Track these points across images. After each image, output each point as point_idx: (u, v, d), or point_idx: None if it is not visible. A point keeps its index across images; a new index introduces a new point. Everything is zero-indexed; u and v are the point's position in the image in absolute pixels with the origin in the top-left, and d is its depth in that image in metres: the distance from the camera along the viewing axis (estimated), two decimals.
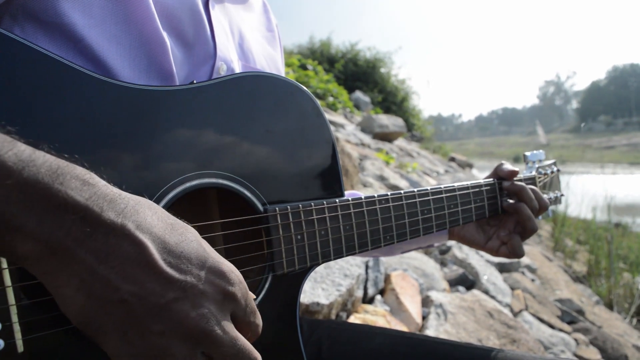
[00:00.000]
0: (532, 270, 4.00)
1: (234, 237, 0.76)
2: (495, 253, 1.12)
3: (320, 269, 1.82)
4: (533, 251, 4.70)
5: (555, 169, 1.32)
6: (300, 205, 0.77)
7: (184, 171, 0.66)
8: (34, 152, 0.46)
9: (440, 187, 0.99)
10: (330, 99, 9.90)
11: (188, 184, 0.66)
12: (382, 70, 18.72)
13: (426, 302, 2.25)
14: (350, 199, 0.83)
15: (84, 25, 0.65)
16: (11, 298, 0.49)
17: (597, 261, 5.35)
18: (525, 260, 4.08)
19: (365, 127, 8.49)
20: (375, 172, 4.49)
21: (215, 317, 0.52)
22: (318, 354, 0.96)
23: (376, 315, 1.87)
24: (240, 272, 0.60)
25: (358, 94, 14.12)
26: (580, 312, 3.35)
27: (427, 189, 0.96)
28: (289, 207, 0.75)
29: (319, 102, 0.83)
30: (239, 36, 0.93)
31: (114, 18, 0.68)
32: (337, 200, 0.81)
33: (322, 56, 17.68)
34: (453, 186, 1.02)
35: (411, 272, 2.48)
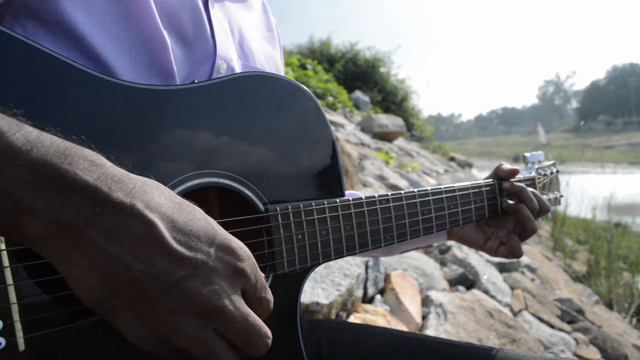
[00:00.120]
0: (532, 270, 4.00)
1: (235, 237, 0.76)
2: (493, 253, 1.12)
3: (320, 269, 1.82)
4: (533, 251, 4.70)
5: (554, 169, 1.32)
6: (301, 205, 0.77)
7: (185, 170, 0.66)
8: (41, 134, 0.47)
9: (441, 188, 0.99)
10: (330, 98, 9.90)
11: (189, 183, 0.66)
12: (382, 70, 18.73)
13: (426, 301, 2.26)
14: (350, 199, 0.83)
15: (84, 24, 0.65)
16: (12, 296, 0.49)
17: (596, 261, 5.35)
18: (525, 260, 4.08)
19: (364, 127, 8.50)
20: (374, 172, 4.49)
21: (227, 293, 0.53)
22: (318, 353, 0.96)
23: (376, 315, 1.87)
24: None
25: (358, 93, 14.12)
26: (580, 311, 3.35)
27: (427, 190, 0.96)
28: (289, 206, 0.76)
29: (319, 102, 0.83)
30: (239, 35, 0.93)
31: (114, 17, 0.68)
32: (337, 200, 0.81)
33: (321, 56, 17.70)
34: (453, 187, 1.02)
35: (411, 271, 2.48)
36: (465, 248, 3.28)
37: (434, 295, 2.26)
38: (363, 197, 0.85)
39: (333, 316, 1.72)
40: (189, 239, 0.52)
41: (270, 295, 0.61)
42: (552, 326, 2.75)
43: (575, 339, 2.69)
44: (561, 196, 1.33)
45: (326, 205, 0.80)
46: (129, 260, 0.48)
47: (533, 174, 1.25)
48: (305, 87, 0.81)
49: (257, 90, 0.75)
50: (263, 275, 0.60)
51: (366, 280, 2.12)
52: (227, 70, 0.84)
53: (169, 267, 0.49)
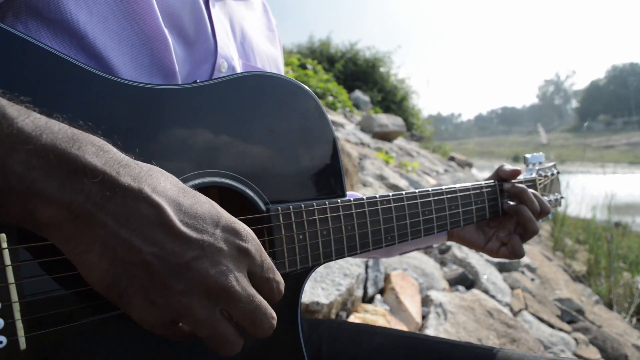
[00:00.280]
0: (532, 269, 4.00)
1: None
2: (495, 254, 1.12)
3: (320, 269, 1.82)
4: (533, 250, 4.70)
5: (555, 171, 1.32)
6: (302, 205, 0.77)
7: (186, 170, 0.66)
8: (49, 120, 0.47)
9: (442, 188, 1.00)
10: (330, 98, 9.91)
11: (190, 183, 0.66)
12: (382, 69, 18.74)
13: (426, 301, 2.26)
14: (352, 199, 0.83)
15: (86, 23, 0.65)
16: (14, 295, 0.49)
17: (596, 260, 5.35)
18: (524, 259, 4.09)
19: (364, 127, 8.50)
20: (374, 172, 4.49)
21: (233, 273, 0.54)
22: (318, 353, 0.96)
23: (376, 315, 1.87)
24: None
25: (357, 93, 14.12)
26: (580, 311, 3.35)
27: (428, 190, 0.96)
28: (291, 206, 0.76)
29: (321, 102, 0.83)
30: (241, 34, 0.94)
31: (116, 15, 0.68)
32: (339, 201, 0.82)
33: (321, 56, 17.70)
34: (454, 187, 1.02)
35: (411, 271, 2.49)
36: (465, 248, 3.28)
37: (434, 295, 2.26)
38: (364, 198, 0.85)
39: (333, 316, 1.72)
40: (195, 221, 0.53)
41: (279, 277, 0.61)
42: (552, 326, 2.75)
43: (575, 339, 2.69)
44: (562, 197, 1.34)
45: (327, 206, 0.80)
46: (139, 243, 0.49)
47: (534, 175, 1.25)
48: (306, 87, 0.81)
49: (258, 90, 0.75)
50: (269, 257, 0.61)
51: (366, 280, 2.12)
52: (228, 70, 0.85)
53: (177, 249, 0.50)
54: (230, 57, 0.85)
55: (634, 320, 4.05)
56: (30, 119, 0.46)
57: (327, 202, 0.80)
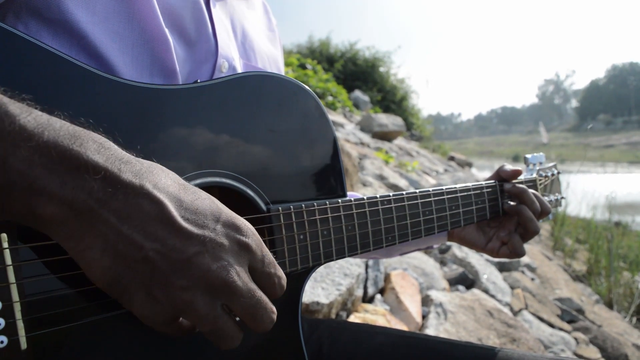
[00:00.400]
0: (532, 269, 4.00)
1: None
2: (495, 254, 1.12)
3: (320, 268, 1.82)
4: (533, 250, 4.70)
5: (555, 171, 1.32)
6: (303, 205, 0.77)
7: (187, 170, 0.66)
8: (51, 118, 0.48)
9: (442, 188, 1.00)
10: (330, 98, 9.91)
11: (191, 183, 0.66)
12: (381, 69, 18.73)
13: (426, 301, 2.26)
14: (352, 199, 0.83)
15: (87, 22, 0.65)
16: (15, 295, 0.49)
17: (596, 260, 5.35)
18: (525, 259, 4.09)
19: (364, 127, 8.50)
20: (374, 172, 4.49)
21: (234, 268, 0.54)
22: (318, 353, 0.96)
23: (376, 315, 1.87)
24: None
25: (357, 93, 14.12)
26: (580, 311, 3.35)
27: (429, 190, 0.97)
28: (291, 206, 0.76)
29: (321, 102, 0.83)
30: (242, 34, 0.94)
31: (117, 15, 0.68)
32: (339, 201, 0.82)
33: (321, 55, 17.69)
34: (455, 187, 1.02)
35: (411, 271, 2.49)
36: (465, 247, 3.28)
37: (434, 294, 2.26)
38: (365, 198, 0.85)
39: (333, 316, 1.72)
40: (196, 217, 0.53)
41: (280, 272, 0.61)
42: (552, 325, 2.75)
43: (576, 339, 2.69)
44: (562, 198, 1.33)
45: (328, 206, 0.80)
46: (141, 239, 0.49)
47: (534, 175, 1.25)
48: (307, 87, 0.81)
49: (259, 90, 0.75)
50: (270, 252, 0.61)
51: (366, 279, 2.12)
52: (229, 70, 0.85)
53: (179, 245, 0.51)
54: (231, 57, 0.85)
55: (634, 319, 4.05)
56: (32, 117, 0.46)
57: (327, 202, 0.80)
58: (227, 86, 0.72)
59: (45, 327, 0.53)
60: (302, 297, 0.80)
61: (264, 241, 0.74)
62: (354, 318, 1.81)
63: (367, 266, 2.17)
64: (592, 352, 2.57)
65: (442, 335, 1.90)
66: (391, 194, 0.89)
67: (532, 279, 3.68)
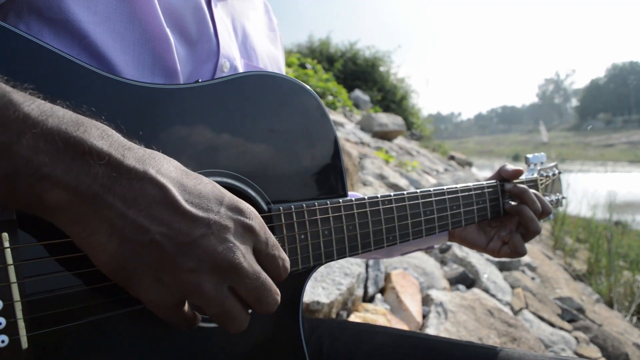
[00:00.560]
0: (532, 268, 4.00)
1: None
2: (497, 254, 1.12)
3: (320, 268, 1.82)
4: (533, 249, 4.70)
5: (556, 171, 1.32)
6: (304, 205, 0.77)
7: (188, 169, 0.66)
8: (53, 106, 0.48)
9: (443, 188, 1.00)
10: (330, 97, 9.90)
11: None
12: (382, 69, 18.73)
13: (426, 300, 2.26)
14: (353, 199, 0.83)
15: (88, 22, 0.65)
16: (16, 294, 0.49)
17: (597, 259, 5.35)
18: (525, 258, 4.08)
19: (364, 126, 8.50)
20: (374, 171, 4.49)
21: (240, 249, 0.54)
22: (319, 352, 0.96)
23: (376, 314, 1.87)
24: None
25: (357, 92, 14.11)
26: (581, 310, 3.35)
27: (430, 190, 0.97)
28: (292, 206, 0.76)
29: (322, 102, 0.83)
30: (243, 34, 0.94)
31: (118, 15, 0.68)
32: (340, 200, 0.82)
33: (321, 55, 17.69)
34: (456, 187, 1.02)
35: (411, 270, 2.49)
36: (465, 247, 3.28)
37: (434, 294, 2.26)
38: (366, 198, 0.85)
39: (334, 315, 1.72)
40: (200, 200, 0.54)
41: (284, 255, 0.62)
42: (552, 325, 2.75)
43: (576, 338, 2.69)
44: (563, 198, 1.33)
45: (329, 205, 0.80)
46: (147, 222, 0.49)
47: (535, 175, 1.25)
48: (308, 87, 0.81)
49: (260, 90, 0.75)
50: (273, 236, 0.61)
51: (367, 279, 2.12)
52: (230, 69, 0.85)
53: (185, 228, 0.51)
54: (233, 57, 0.86)
55: (635, 319, 4.05)
56: (35, 104, 0.46)
57: (328, 202, 0.80)
58: (228, 86, 0.72)
59: (46, 327, 0.53)
60: (303, 296, 0.80)
61: None
62: (354, 318, 1.81)
63: (367, 266, 2.17)
64: (593, 351, 2.57)
65: (443, 334, 1.90)
66: (392, 194, 0.89)
67: (533, 279, 3.68)
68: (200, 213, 0.52)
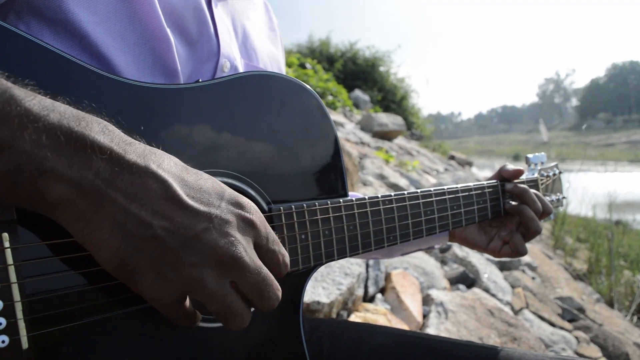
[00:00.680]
0: (533, 268, 4.00)
1: None
2: (497, 254, 1.12)
3: (320, 268, 1.82)
4: (533, 249, 4.70)
5: (557, 171, 1.32)
6: (304, 205, 0.77)
7: None
8: (54, 101, 0.48)
9: (444, 188, 0.99)
10: (330, 97, 9.90)
11: None
12: (382, 68, 18.73)
13: (427, 300, 2.26)
14: (354, 199, 0.83)
15: (88, 22, 0.65)
16: (16, 294, 0.49)
17: (597, 259, 5.34)
18: (525, 258, 4.08)
19: (364, 126, 8.50)
20: (375, 171, 4.49)
21: (242, 243, 0.55)
22: (319, 352, 0.96)
23: (377, 314, 1.87)
24: None
25: (357, 92, 14.11)
26: (581, 310, 3.35)
27: (430, 190, 0.96)
28: (293, 206, 0.76)
29: (323, 102, 0.83)
30: (243, 34, 0.94)
31: (118, 15, 0.68)
32: (341, 200, 0.82)
33: (321, 55, 17.69)
34: (456, 187, 1.02)
35: (412, 270, 2.49)
36: (465, 247, 3.27)
37: (434, 293, 2.26)
38: (366, 198, 0.85)
39: (334, 315, 1.72)
40: (201, 195, 0.54)
41: (284, 250, 0.62)
42: (553, 324, 2.75)
43: (576, 338, 2.69)
44: (564, 197, 1.33)
45: (329, 205, 0.80)
46: (149, 217, 0.49)
47: (536, 175, 1.25)
48: (309, 87, 0.81)
49: (261, 90, 0.75)
50: (273, 231, 0.62)
51: (367, 279, 2.12)
52: (231, 69, 0.85)
53: (187, 222, 0.51)
54: (233, 57, 0.86)
55: (635, 318, 4.05)
56: (36, 100, 0.46)
57: (329, 202, 0.80)
58: (228, 86, 0.72)
59: (47, 327, 0.53)
60: (303, 296, 0.80)
61: None
62: (354, 317, 1.81)
63: (367, 265, 2.17)
64: (593, 351, 2.57)
65: (443, 334, 1.90)
66: (393, 194, 0.89)
67: (533, 278, 3.68)
68: (201, 207, 0.53)
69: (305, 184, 0.80)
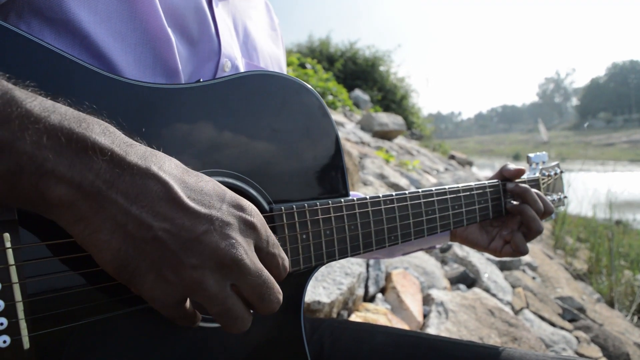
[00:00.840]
0: (533, 268, 4.00)
1: None
2: (498, 254, 1.12)
3: (321, 268, 1.82)
4: (534, 249, 4.70)
5: (558, 170, 1.32)
6: (305, 205, 0.77)
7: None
8: (55, 103, 0.48)
9: (445, 188, 0.99)
10: (330, 97, 9.90)
11: None
12: (382, 68, 18.74)
13: (427, 300, 2.26)
14: (355, 198, 0.83)
15: (89, 22, 0.65)
16: (17, 294, 0.49)
17: (597, 259, 5.34)
18: (526, 258, 4.08)
19: (365, 126, 8.50)
20: (375, 171, 4.49)
21: (242, 246, 0.54)
22: (320, 352, 0.96)
23: (377, 314, 1.87)
24: None
25: (357, 92, 14.11)
26: (581, 309, 3.35)
27: (431, 190, 0.96)
28: (294, 206, 0.76)
29: (324, 101, 0.83)
30: (244, 34, 0.94)
31: (119, 15, 0.68)
32: (342, 200, 0.82)
33: (321, 55, 17.70)
34: (457, 187, 1.02)
35: (412, 270, 2.49)
36: (466, 246, 3.28)
37: (435, 293, 2.26)
38: (367, 197, 0.85)
39: (334, 315, 1.72)
40: (202, 197, 0.54)
41: (283, 254, 0.62)
42: (553, 324, 2.75)
43: (577, 337, 2.69)
44: (565, 197, 1.33)
45: (331, 205, 0.80)
46: (150, 219, 0.49)
47: (537, 174, 1.24)
48: (310, 87, 0.81)
49: (262, 90, 0.75)
50: (273, 234, 0.61)
51: (367, 278, 2.12)
52: (232, 69, 0.85)
53: (188, 224, 0.51)
54: (234, 57, 0.86)
55: (635, 318, 4.05)
56: (37, 101, 0.46)
57: (330, 202, 0.80)
58: (229, 85, 0.72)
59: (48, 327, 0.53)
60: (304, 296, 0.80)
61: None
62: (355, 317, 1.81)
63: (368, 265, 2.17)
64: (594, 350, 2.57)
65: (443, 334, 1.90)
66: (394, 194, 0.89)
67: (533, 278, 3.68)
68: (202, 209, 0.53)
69: (307, 183, 0.80)
